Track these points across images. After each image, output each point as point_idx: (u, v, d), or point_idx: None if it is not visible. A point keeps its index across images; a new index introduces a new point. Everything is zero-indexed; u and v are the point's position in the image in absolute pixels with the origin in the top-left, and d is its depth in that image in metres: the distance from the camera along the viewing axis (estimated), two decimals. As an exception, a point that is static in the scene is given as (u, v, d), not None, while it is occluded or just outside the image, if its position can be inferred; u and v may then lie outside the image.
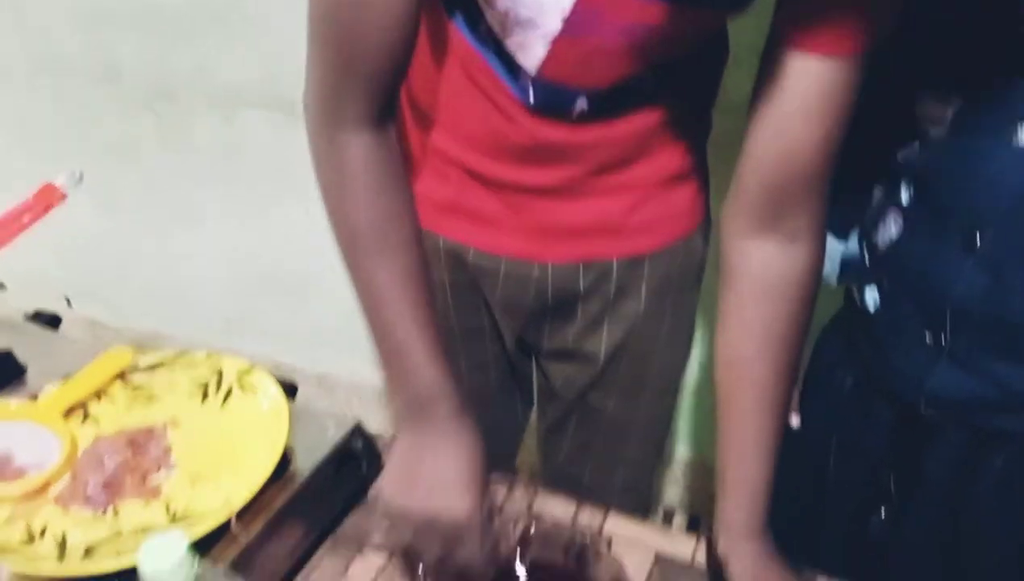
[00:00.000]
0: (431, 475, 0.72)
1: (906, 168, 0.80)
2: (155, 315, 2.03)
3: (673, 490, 1.83)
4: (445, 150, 0.87)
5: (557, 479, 1.13)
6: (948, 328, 0.76)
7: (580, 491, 0.92)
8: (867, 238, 0.85)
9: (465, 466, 0.73)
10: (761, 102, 0.69)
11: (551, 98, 0.78)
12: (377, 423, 0.93)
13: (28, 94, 1.84)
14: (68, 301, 1.08)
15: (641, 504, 1.14)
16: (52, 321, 1.06)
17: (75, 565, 0.67)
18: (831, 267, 0.94)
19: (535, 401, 1.14)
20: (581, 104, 0.78)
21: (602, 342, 0.97)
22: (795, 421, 1.00)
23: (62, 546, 0.69)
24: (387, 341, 0.75)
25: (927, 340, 0.78)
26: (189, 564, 0.51)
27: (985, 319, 0.74)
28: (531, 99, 0.78)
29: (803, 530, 0.99)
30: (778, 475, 1.06)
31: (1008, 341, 0.74)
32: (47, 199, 0.94)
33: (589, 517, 0.88)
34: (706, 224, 0.96)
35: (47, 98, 1.83)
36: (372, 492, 0.86)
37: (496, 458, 1.12)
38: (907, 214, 0.80)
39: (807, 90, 0.66)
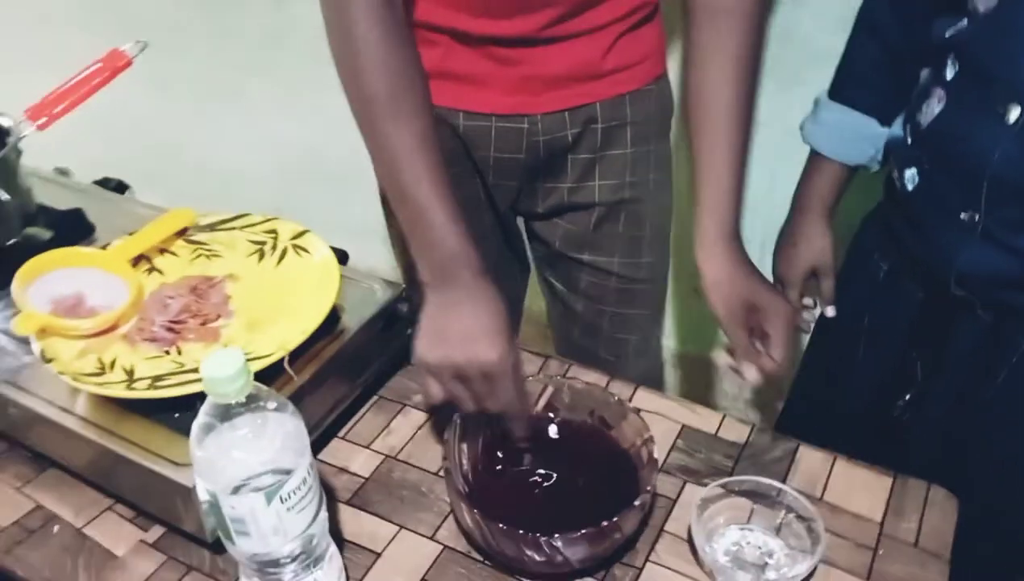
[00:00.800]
0: (460, 329, 0.76)
1: (953, 44, 0.80)
2: (203, 199, 2.09)
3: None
4: (430, 19, 0.90)
5: (575, 356, 1.17)
6: (984, 202, 0.77)
7: (597, 364, 0.97)
8: (911, 119, 0.86)
9: (490, 319, 0.76)
10: None
11: None
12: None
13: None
14: (124, 185, 1.14)
15: (653, 372, 1.20)
16: (119, 187, 1.12)
17: (142, 390, 0.73)
18: (874, 153, 0.95)
19: (531, 268, 1.20)
20: None
21: (595, 191, 1.02)
22: (831, 311, 1.03)
23: (130, 375, 0.75)
24: (407, 206, 0.78)
25: (962, 217, 0.80)
26: (244, 375, 0.56)
27: (1019, 192, 0.75)
28: None
29: (829, 414, 1.03)
30: (809, 360, 1.10)
31: None
32: (114, 63, 0.98)
33: (618, 389, 0.92)
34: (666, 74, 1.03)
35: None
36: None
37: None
38: (950, 89, 0.80)
39: None
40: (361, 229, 2.02)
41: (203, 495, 0.61)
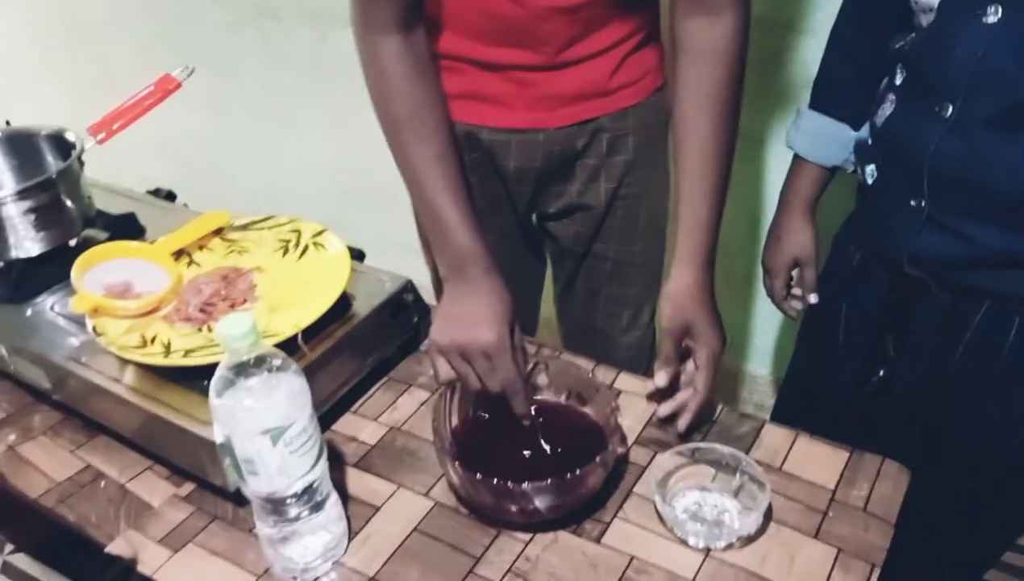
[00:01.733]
0: (467, 315, 0.87)
1: (900, 55, 0.89)
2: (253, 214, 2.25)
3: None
4: (456, 50, 1.02)
5: (574, 330, 1.31)
6: (927, 191, 0.86)
7: (594, 335, 1.11)
8: (871, 122, 0.96)
9: (491, 308, 0.87)
10: None
11: None
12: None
13: (144, 12, 2.05)
14: (173, 194, 1.28)
15: (644, 341, 1.30)
16: (169, 195, 1.25)
17: (177, 359, 0.85)
18: (847, 156, 1.05)
19: (548, 263, 1.31)
20: None
21: (601, 193, 1.13)
22: (813, 298, 1.11)
23: (167, 347, 0.87)
24: (427, 211, 0.91)
25: (911, 204, 0.88)
26: (254, 333, 0.67)
27: (957, 181, 0.84)
28: None
29: (820, 398, 1.11)
30: (799, 349, 1.19)
31: (978, 201, 0.84)
32: (165, 86, 1.12)
33: (603, 373, 1.01)
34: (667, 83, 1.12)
35: (162, 16, 2.04)
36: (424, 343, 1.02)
37: (522, 314, 1.31)
38: (899, 93, 0.90)
39: None
40: (403, 250, 2.16)
41: (219, 438, 0.72)
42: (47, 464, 0.92)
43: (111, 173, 1.29)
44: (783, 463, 0.89)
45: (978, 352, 0.92)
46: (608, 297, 1.23)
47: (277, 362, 0.71)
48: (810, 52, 1.42)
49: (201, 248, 1.04)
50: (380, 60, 0.89)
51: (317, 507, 0.77)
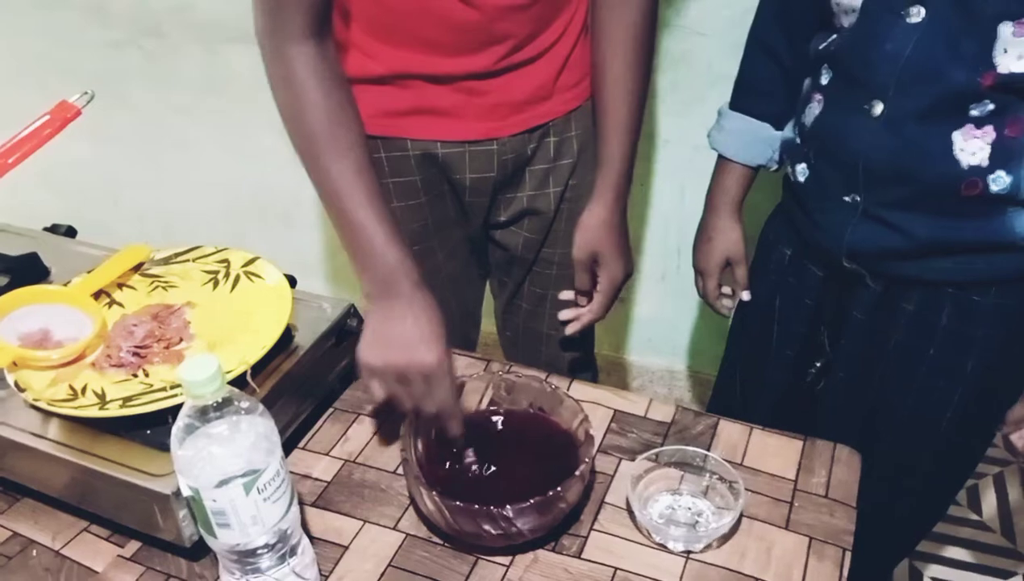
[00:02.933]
0: (400, 336, 0.83)
1: (825, 55, 0.92)
2: (150, 240, 2.13)
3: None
4: (407, 67, 1.00)
5: (518, 338, 1.31)
6: (861, 186, 0.90)
7: (540, 340, 1.14)
8: (798, 121, 0.99)
9: (428, 327, 0.83)
10: None
11: None
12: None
13: (19, 30, 1.91)
14: (73, 230, 1.19)
15: (587, 343, 1.32)
16: (69, 231, 1.16)
17: (116, 410, 0.78)
18: (772, 154, 1.08)
19: (490, 273, 1.31)
20: None
21: (550, 197, 1.14)
22: (746, 295, 1.14)
23: (102, 398, 0.81)
24: (348, 229, 0.86)
25: (845, 200, 0.92)
26: (220, 377, 0.63)
27: (890, 174, 0.87)
28: None
29: (754, 390, 1.14)
30: (732, 343, 1.22)
31: (910, 193, 0.88)
32: (63, 114, 1.03)
33: (555, 382, 1.00)
34: None
35: (37, 33, 1.90)
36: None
37: (466, 328, 1.30)
38: (826, 92, 0.93)
39: None
40: (303, 269, 2.09)
41: (186, 491, 0.67)
42: (-34, 537, 0.84)
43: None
44: (743, 458, 0.91)
45: (913, 337, 0.97)
46: (554, 301, 1.22)
47: (244, 404, 0.67)
48: (713, 53, 1.46)
49: (120, 286, 0.96)
50: (293, 72, 0.84)
51: (290, 552, 0.73)
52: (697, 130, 1.21)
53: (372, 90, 1.02)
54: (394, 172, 1.09)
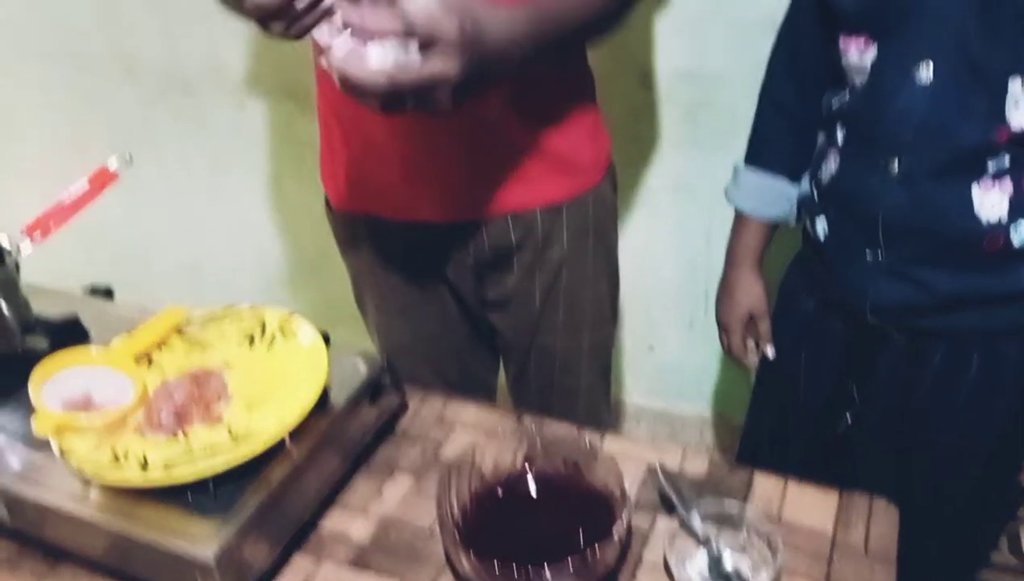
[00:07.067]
0: None
1: (839, 114, 0.93)
2: (182, 293, 2.16)
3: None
4: (383, 150, 1.03)
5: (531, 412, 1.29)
6: (882, 243, 0.90)
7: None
8: (814, 178, 0.99)
9: None
10: None
11: None
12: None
13: (49, 88, 1.96)
14: (111, 291, 1.21)
15: (603, 423, 1.29)
16: (107, 293, 1.19)
17: (158, 475, 0.80)
18: (790, 208, 1.08)
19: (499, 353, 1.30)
20: None
21: (536, 287, 1.13)
22: (771, 352, 1.14)
23: (144, 462, 0.82)
24: None
25: (867, 257, 0.92)
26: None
27: (909, 231, 0.88)
28: None
29: (782, 441, 1.14)
30: (758, 395, 1.22)
31: (930, 249, 0.88)
32: (102, 180, 1.06)
33: (589, 436, 1.01)
34: (611, 173, 1.12)
35: (66, 91, 1.95)
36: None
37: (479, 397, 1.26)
38: (842, 151, 0.94)
39: None
40: (334, 317, 2.12)
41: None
42: (8, 602, 0.85)
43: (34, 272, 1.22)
44: (780, 511, 0.90)
45: (941, 387, 0.97)
46: (559, 390, 1.22)
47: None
48: (737, 100, 1.48)
49: (160, 347, 0.98)
50: None
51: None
52: (721, 176, 1.22)
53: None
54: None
